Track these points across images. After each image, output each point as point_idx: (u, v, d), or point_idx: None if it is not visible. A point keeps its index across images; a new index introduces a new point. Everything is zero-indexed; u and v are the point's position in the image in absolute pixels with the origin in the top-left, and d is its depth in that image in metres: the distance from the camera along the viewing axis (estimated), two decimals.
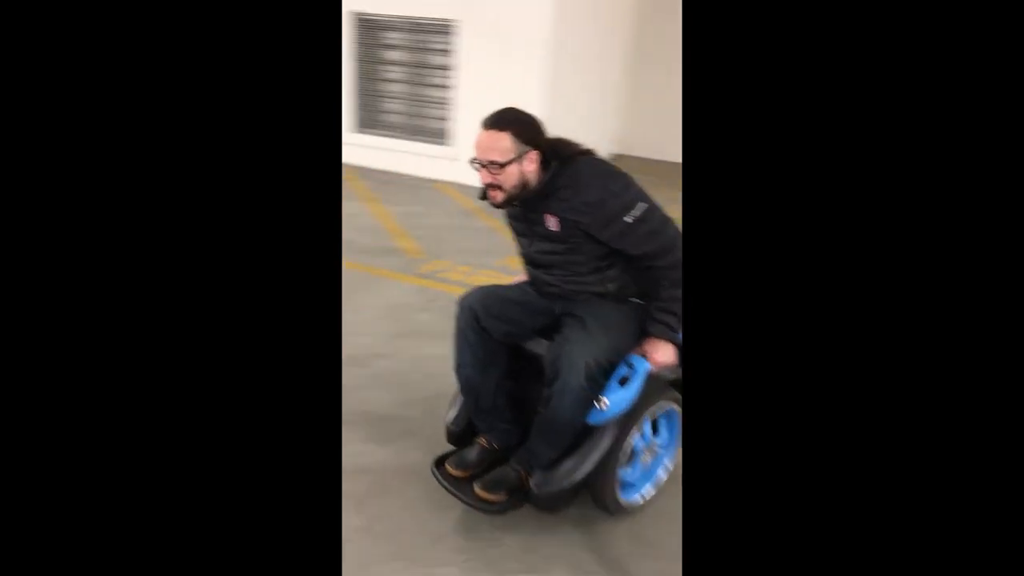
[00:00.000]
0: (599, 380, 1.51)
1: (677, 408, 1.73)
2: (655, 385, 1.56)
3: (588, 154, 1.64)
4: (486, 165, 1.59)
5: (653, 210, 1.56)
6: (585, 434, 1.56)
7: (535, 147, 1.60)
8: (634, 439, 1.66)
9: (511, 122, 1.58)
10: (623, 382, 1.51)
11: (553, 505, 1.59)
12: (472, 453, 1.78)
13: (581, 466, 1.53)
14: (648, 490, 1.82)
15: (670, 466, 1.92)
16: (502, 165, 1.56)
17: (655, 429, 1.81)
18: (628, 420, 1.57)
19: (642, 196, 1.57)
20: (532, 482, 1.60)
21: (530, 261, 1.75)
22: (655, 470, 1.86)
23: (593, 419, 1.52)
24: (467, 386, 1.76)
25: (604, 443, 1.54)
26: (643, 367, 1.53)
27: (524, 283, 1.82)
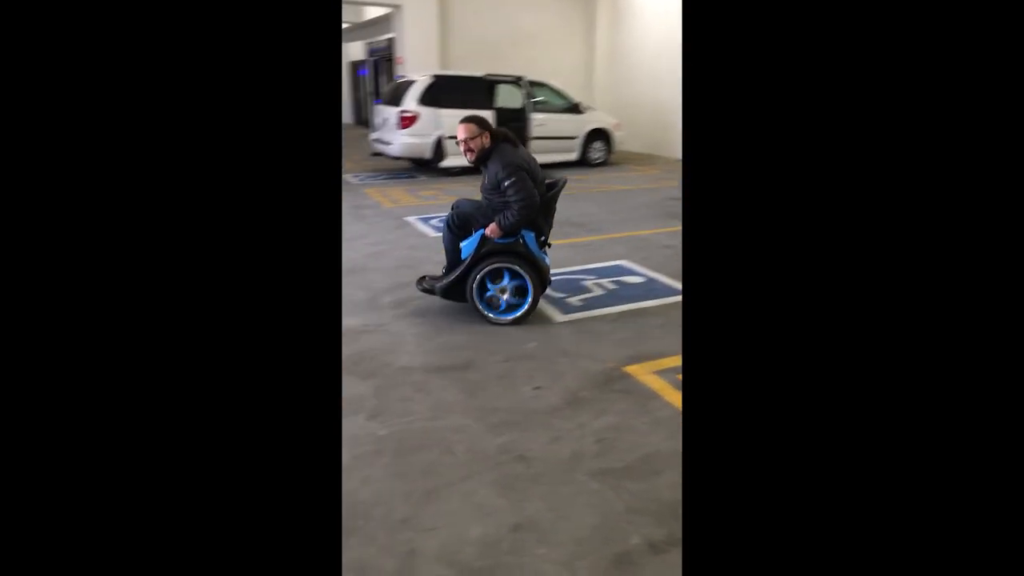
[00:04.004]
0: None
1: (510, 267, 3.39)
2: (490, 247, 3.38)
3: (507, 139, 3.38)
4: (465, 141, 3.35)
5: (516, 180, 3.23)
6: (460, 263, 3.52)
7: (486, 131, 3.38)
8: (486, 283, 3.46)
9: (473, 119, 3.39)
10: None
11: (442, 294, 3.53)
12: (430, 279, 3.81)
13: (452, 277, 3.46)
14: (504, 318, 3.46)
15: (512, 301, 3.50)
16: (471, 139, 3.33)
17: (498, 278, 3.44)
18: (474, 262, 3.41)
19: (512, 171, 3.22)
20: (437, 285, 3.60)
21: (482, 189, 3.54)
22: (504, 305, 3.47)
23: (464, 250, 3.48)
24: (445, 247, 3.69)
25: (462, 269, 3.44)
26: (479, 232, 3.39)
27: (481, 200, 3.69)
